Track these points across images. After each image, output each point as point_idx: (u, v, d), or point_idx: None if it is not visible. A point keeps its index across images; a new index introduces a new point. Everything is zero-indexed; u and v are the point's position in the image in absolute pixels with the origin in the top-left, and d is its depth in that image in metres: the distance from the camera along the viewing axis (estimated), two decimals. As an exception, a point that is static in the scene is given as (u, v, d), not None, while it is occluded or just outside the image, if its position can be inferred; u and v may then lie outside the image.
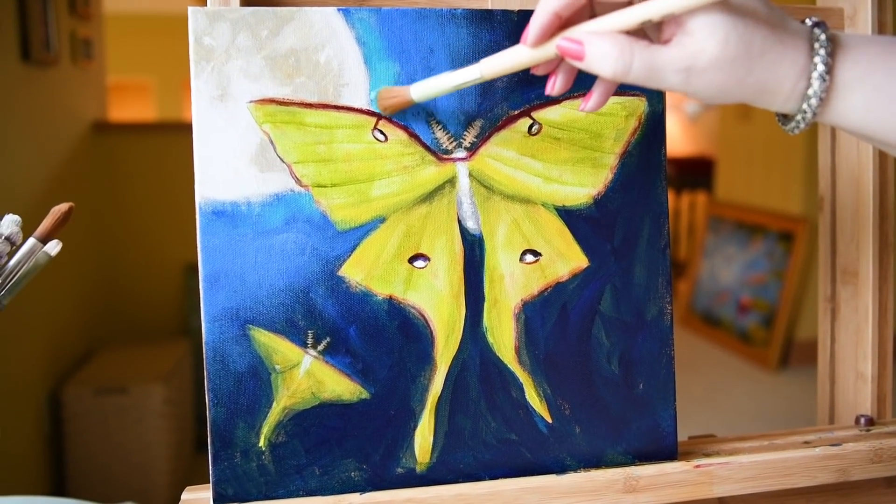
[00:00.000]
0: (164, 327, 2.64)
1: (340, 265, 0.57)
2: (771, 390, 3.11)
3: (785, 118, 0.49)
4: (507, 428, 0.60)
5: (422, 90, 0.55)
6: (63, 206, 0.63)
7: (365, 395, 0.58)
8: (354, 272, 0.58)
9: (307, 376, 0.57)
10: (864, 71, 0.45)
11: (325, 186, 0.57)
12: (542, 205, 0.60)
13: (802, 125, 0.47)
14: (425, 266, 0.59)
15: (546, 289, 0.61)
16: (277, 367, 0.57)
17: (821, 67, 0.44)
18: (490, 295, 0.60)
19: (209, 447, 0.56)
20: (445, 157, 0.59)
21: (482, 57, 0.59)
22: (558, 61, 0.51)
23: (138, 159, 2.59)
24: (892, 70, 0.45)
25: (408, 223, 0.58)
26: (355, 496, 0.57)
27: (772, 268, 3.46)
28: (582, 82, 0.60)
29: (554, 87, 0.51)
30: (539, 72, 0.52)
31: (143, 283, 2.61)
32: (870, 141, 0.48)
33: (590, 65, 0.46)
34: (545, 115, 0.60)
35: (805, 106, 0.46)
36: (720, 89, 0.45)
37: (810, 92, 0.45)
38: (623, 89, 0.61)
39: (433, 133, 0.58)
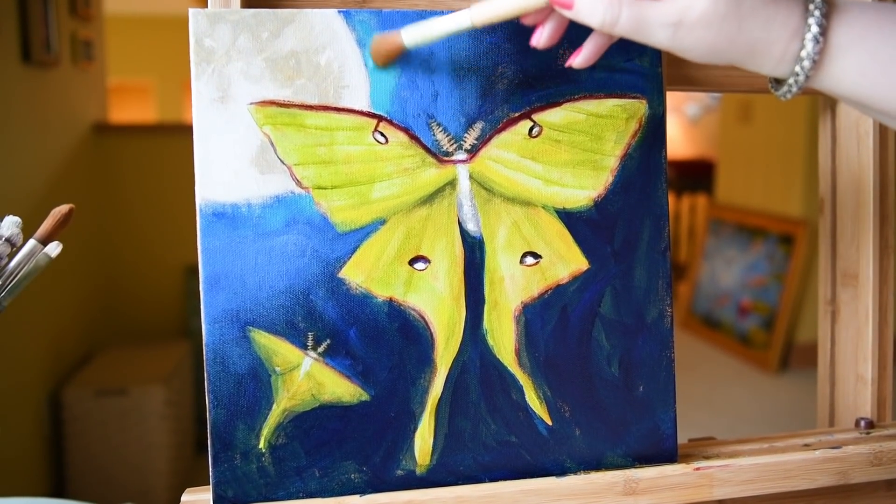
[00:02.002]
0: (164, 329, 2.64)
1: (341, 267, 0.57)
2: (771, 393, 3.11)
3: (777, 83, 0.48)
4: (507, 430, 0.60)
5: (413, 36, 0.55)
6: (63, 208, 0.63)
7: (365, 397, 0.58)
8: (355, 274, 0.58)
9: (307, 378, 0.57)
10: (859, 34, 0.44)
11: (325, 188, 0.57)
12: (543, 207, 0.60)
13: (795, 89, 0.46)
14: (426, 268, 0.59)
15: (546, 291, 0.61)
16: (277, 368, 0.57)
17: (815, 28, 0.44)
18: (490, 297, 0.60)
19: (209, 449, 0.56)
20: (446, 159, 0.59)
21: (483, 59, 0.59)
22: (547, 13, 0.50)
23: (139, 161, 2.59)
24: (888, 34, 0.44)
25: (408, 225, 0.58)
26: (355, 498, 0.57)
27: (772, 270, 3.46)
28: (583, 83, 0.60)
29: (540, 39, 0.51)
30: (528, 21, 0.51)
31: (143, 285, 2.62)
32: (862, 108, 0.47)
33: (578, 14, 0.46)
34: (546, 117, 0.60)
35: (798, 68, 0.45)
36: (709, 48, 0.45)
37: (803, 54, 0.44)
38: (624, 90, 0.61)
39: (434, 135, 0.58)
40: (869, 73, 0.44)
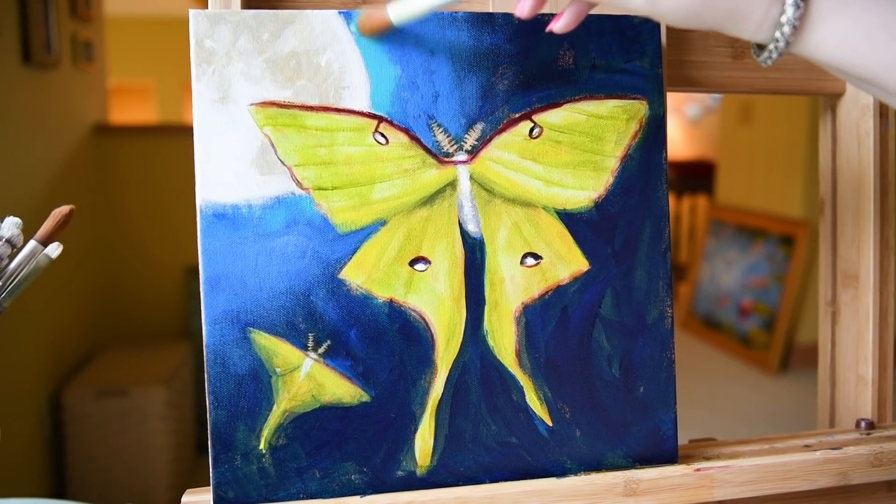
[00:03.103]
0: (164, 330, 2.64)
1: (341, 268, 0.57)
2: (771, 394, 3.11)
3: (759, 48, 0.48)
4: (508, 431, 0.60)
5: (400, 12, 0.55)
6: (64, 209, 0.63)
7: (365, 398, 0.58)
8: (355, 275, 0.58)
9: (307, 379, 0.57)
10: (841, 0, 0.44)
11: (325, 189, 0.57)
12: (543, 208, 0.60)
13: (775, 55, 0.46)
14: (426, 269, 0.59)
15: (547, 292, 0.61)
16: (278, 369, 0.57)
17: None
18: (491, 298, 0.60)
19: (209, 450, 0.56)
20: (446, 160, 0.59)
21: (483, 60, 0.59)
22: None
23: (139, 162, 2.59)
24: (870, 1, 0.43)
25: (408, 226, 0.58)
26: (356, 499, 0.57)
27: (772, 271, 3.45)
28: (583, 84, 0.60)
29: (524, 8, 0.51)
30: None
31: (143, 286, 2.62)
32: (845, 76, 0.47)
33: None
34: (546, 118, 0.60)
35: (778, 34, 0.44)
36: (687, 13, 0.44)
37: (783, 19, 0.44)
38: (624, 91, 0.61)
39: (434, 136, 0.58)
40: (850, 39, 0.43)
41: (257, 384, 0.57)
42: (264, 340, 0.57)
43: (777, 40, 0.45)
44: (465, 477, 0.60)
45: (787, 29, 0.44)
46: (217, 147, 0.56)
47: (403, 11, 0.55)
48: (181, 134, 2.63)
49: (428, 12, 0.55)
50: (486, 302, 0.60)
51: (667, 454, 0.63)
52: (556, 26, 0.51)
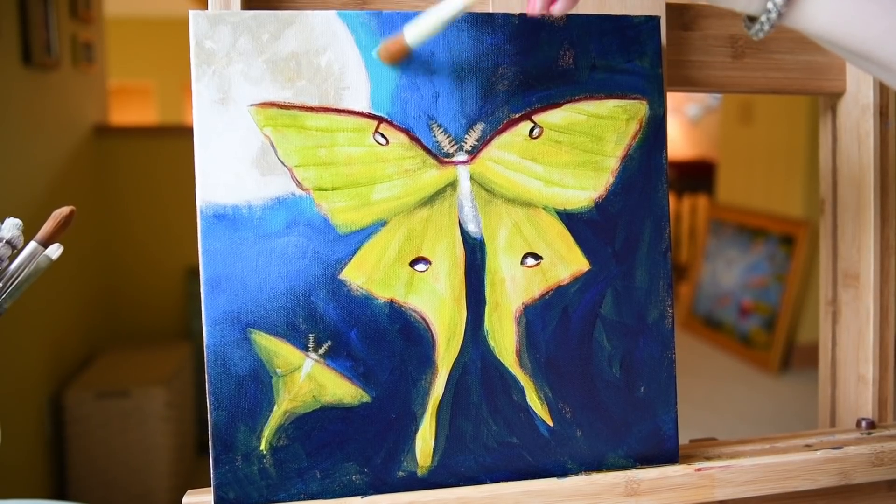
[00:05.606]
0: (165, 331, 2.64)
1: (341, 269, 0.57)
2: (772, 393, 3.11)
3: (751, 21, 0.48)
4: (509, 431, 0.60)
5: (415, 34, 0.55)
6: (64, 210, 0.63)
7: (366, 398, 0.58)
8: (356, 276, 0.58)
9: (308, 380, 0.57)
10: None
11: (326, 190, 0.57)
12: (544, 208, 0.60)
13: (767, 27, 0.46)
14: (426, 269, 0.59)
15: (547, 292, 0.61)
16: (278, 370, 0.57)
17: None
18: (491, 298, 0.60)
19: (210, 451, 0.56)
20: (447, 160, 0.59)
21: (483, 60, 0.59)
22: None
23: (139, 163, 2.59)
24: None
25: (409, 226, 0.58)
26: (357, 500, 0.57)
27: (773, 271, 3.45)
28: (583, 84, 0.60)
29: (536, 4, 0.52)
30: None
31: (144, 287, 2.61)
32: (836, 50, 0.47)
33: None
34: (546, 118, 0.60)
35: (770, 5, 0.44)
36: None
37: None
38: (624, 91, 0.61)
39: (434, 136, 0.59)
40: (843, 12, 0.43)
41: (258, 385, 0.57)
42: (265, 341, 0.57)
43: (769, 11, 0.45)
44: (466, 477, 0.60)
45: (779, 0, 0.44)
46: (217, 148, 0.56)
47: (417, 32, 0.55)
48: (181, 135, 2.62)
49: (441, 27, 0.55)
50: (487, 302, 0.60)
51: (668, 454, 0.63)
52: (556, 8, 0.51)
